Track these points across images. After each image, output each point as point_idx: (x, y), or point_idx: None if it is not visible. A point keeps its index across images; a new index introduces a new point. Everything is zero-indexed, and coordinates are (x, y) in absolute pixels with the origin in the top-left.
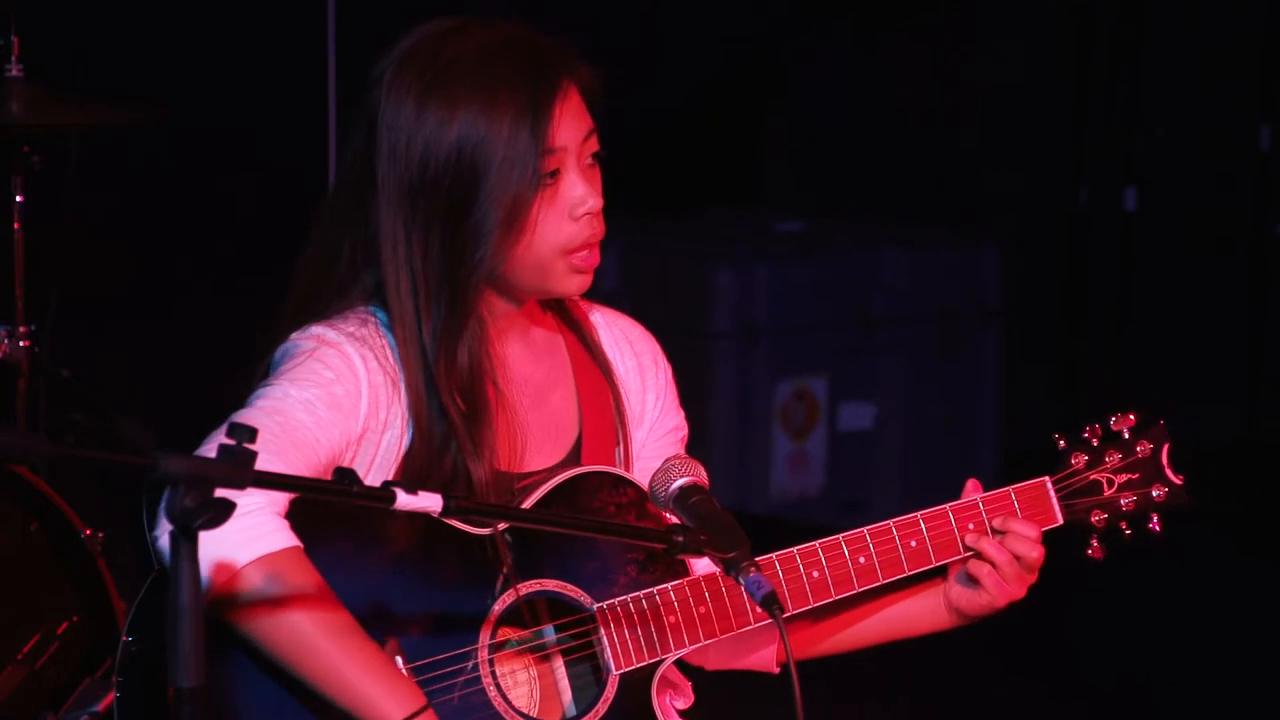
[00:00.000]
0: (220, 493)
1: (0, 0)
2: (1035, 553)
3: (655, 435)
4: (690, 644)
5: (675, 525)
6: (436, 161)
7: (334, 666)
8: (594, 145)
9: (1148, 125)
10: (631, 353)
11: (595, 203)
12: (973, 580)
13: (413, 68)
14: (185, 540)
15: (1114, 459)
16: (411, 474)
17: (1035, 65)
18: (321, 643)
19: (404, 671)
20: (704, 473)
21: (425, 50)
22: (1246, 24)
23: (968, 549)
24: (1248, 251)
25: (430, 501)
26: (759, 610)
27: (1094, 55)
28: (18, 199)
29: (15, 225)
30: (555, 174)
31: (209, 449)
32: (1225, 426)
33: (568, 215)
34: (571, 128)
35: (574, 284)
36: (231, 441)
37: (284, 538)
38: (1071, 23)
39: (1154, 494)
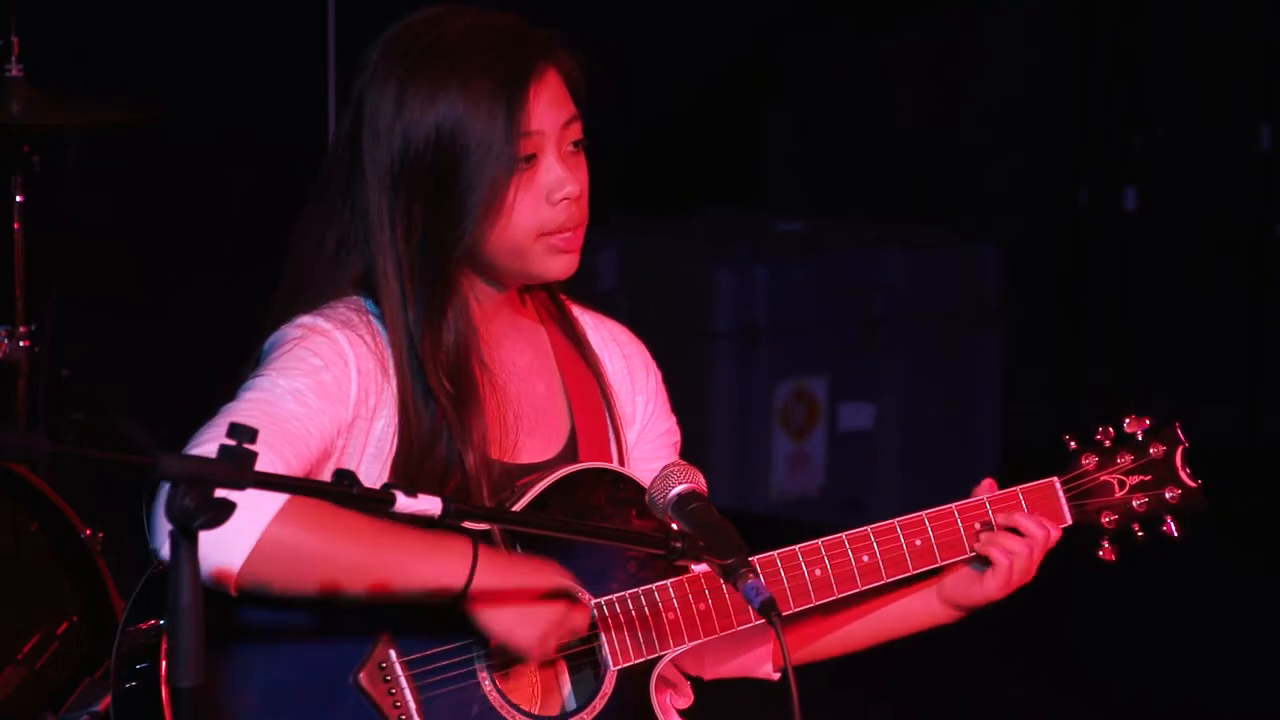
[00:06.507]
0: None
1: (0, 0)
2: (1042, 533)
3: (647, 438)
4: (689, 641)
5: (674, 532)
6: (417, 144)
7: (389, 569)
8: (576, 133)
9: (1148, 125)
10: (620, 355)
11: (573, 188)
12: (985, 564)
13: (395, 53)
14: (185, 540)
15: (1126, 460)
16: (405, 463)
17: (1036, 66)
18: (365, 555)
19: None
20: (702, 479)
21: (408, 36)
22: (1246, 24)
23: (979, 553)
24: (1248, 251)
25: (430, 504)
26: None
27: (1094, 55)
28: (18, 199)
29: (15, 225)
30: (532, 158)
31: (201, 445)
32: (1225, 427)
33: (545, 199)
34: (549, 112)
35: (557, 265)
36: (232, 442)
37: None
38: (1071, 23)
39: (1167, 495)
